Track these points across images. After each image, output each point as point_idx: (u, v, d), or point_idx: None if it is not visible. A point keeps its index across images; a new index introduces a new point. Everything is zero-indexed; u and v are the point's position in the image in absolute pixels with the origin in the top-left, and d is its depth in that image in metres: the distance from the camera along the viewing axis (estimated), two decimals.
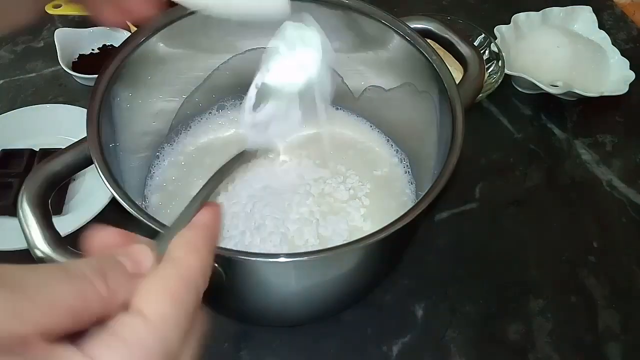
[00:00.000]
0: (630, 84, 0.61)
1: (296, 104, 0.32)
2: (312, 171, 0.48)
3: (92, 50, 0.64)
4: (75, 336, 0.18)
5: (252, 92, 0.32)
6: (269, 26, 0.47)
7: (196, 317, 0.21)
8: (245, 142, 0.32)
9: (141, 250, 0.21)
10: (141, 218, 0.31)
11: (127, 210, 0.31)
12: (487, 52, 0.63)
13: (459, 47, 0.43)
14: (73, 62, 0.62)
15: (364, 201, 0.46)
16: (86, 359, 0.17)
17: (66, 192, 0.51)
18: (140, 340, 0.18)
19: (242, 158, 0.31)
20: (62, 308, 0.17)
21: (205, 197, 0.25)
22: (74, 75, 0.60)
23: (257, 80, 0.32)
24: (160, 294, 0.19)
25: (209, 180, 0.27)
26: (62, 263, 0.20)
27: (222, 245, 0.31)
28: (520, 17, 0.68)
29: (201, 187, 0.26)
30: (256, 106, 0.32)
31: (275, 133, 0.32)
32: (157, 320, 0.19)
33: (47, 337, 0.17)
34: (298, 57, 0.32)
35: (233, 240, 0.42)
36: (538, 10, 0.69)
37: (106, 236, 0.23)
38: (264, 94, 0.32)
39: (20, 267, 0.18)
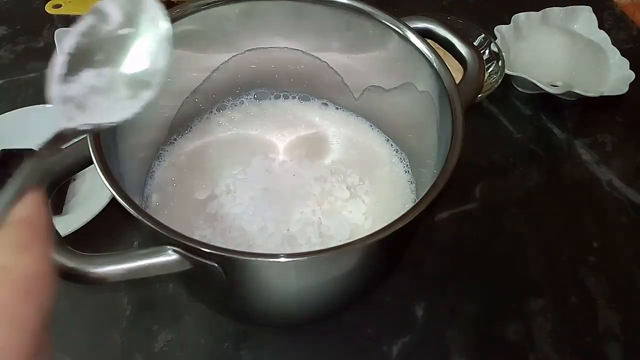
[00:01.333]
0: (630, 84, 0.61)
1: (121, 80, 0.27)
2: (312, 171, 0.48)
3: None
4: None
5: (62, 58, 0.27)
6: (270, 26, 0.47)
7: (44, 340, 0.17)
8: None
9: None
10: (141, 218, 0.31)
11: (127, 210, 0.31)
12: (487, 52, 0.63)
13: (459, 47, 0.43)
14: None
15: (365, 200, 0.46)
16: None
17: (66, 192, 0.51)
18: None
19: (59, 139, 0.26)
20: None
21: (19, 190, 0.21)
22: None
23: (66, 45, 0.27)
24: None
25: (20, 170, 0.23)
26: None
27: (224, 246, 0.31)
28: (520, 17, 0.68)
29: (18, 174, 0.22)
30: (69, 75, 0.27)
31: (96, 113, 0.27)
32: None
33: None
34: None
35: (235, 241, 0.42)
36: (538, 10, 0.69)
37: None
38: (79, 60, 0.27)
39: None
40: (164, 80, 0.28)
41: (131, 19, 0.28)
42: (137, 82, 0.27)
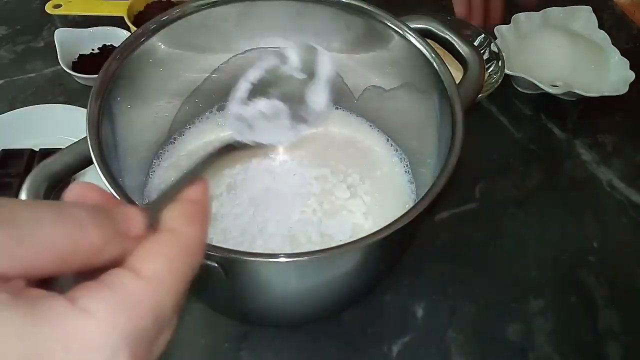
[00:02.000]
0: (630, 84, 0.61)
1: (286, 112, 0.33)
2: (313, 170, 0.48)
3: (92, 50, 0.64)
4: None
5: (246, 85, 0.33)
6: (270, 26, 0.47)
7: (184, 296, 0.20)
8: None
9: (133, 212, 0.20)
10: None
11: None
12: (487, 52, 0.63)
13: (459, 47, 0.43)
14: (73, 62, 0.62)
15: (365, 199, 0.46)
16: (69, 303, 0.16)
17: None
18: (133, 295, 0.17)
19: (228, 149, 0.30)
20: (49, 249, 0.16)
21: (192, 177, 0.25)
22: (74, 75, 0.60)
23: (251, 75, 0.33)
24: (159, 256, 0.19)
25: (195, 164, 0.27)
26: (57, 202, 0.18)
27: (224, 246, 0.31)
28: (521, 17, 0.68)
29: (185, 172, 0.26)
30: (248, 100, 0.33)
31: (260, 133, 0.32)
32: (152, 279, 0.18)
33: (29, 278, 0.16)
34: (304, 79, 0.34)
35: (234, 241, 0.42)
36: (538, 10, 0.69)
37: (88, 191, 0.21)
38: (257, 90, 0.33)
39: (17, 201, 0.17)
40: (320, 122, 0.34)
41: (305, 67, 0.34)
42: (298, 117, 0.33)
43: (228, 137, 0.30)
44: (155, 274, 0.18)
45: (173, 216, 0.21)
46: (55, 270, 0.17)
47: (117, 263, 0.18)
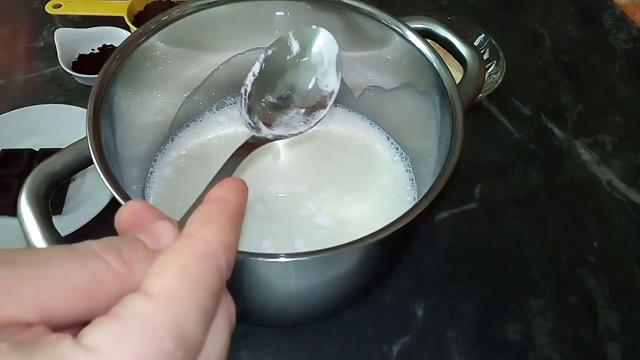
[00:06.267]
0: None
1: (298, 102, 0.32)
2: (313, 169, 0.48)
3: (92, 50, 0.64)
4: None
5: (250, 78, 0.33)
6: (270, 26, 0.47)
7: (221, 301, 0.18)
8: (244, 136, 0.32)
9: (162, 226, 0.19)
10: None
11: None
12: (487, 52, 0.63)
13: (459, 47, 0.43)
14: (73, 62, 0.62)
15: (365, 199, 0.46)
16: (73, 343, 0.14)
17: (66, 192, 0.51)
18: (143, 318, 0.15)
19: (249, 145, 0.30)
20: (65, 286, 0.15)
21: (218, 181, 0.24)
22: (74, 75, 0.60)
23: (256, 67, 0.33)
24: (170, 267, 0.17)
25: (220, 169, 0.26)
26: (64, 244, 0.17)
27: None
28: None
29: (213, 177, 0.25)
30: (256, 94, 0.32)
31: (278, 125, 0.32)
32: (164, 296, 0.16)
33: (57, 322, 0.15)
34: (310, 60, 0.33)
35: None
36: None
37: (136, 207, 0.21)
38: (262, 82, 0.32)
39: (20, 249, 0.16)
40: (333, 102, 0.33)
41: (307, 49, 0.33)
42: (313, 103, 0.33)
43: (246, 136, 0.30)
44: (167, 289, 0.16)
45: (192, 219, 0.19)
46: (86, 309, 0.16)
47: None
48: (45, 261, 0.15)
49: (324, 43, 0.33)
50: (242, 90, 0.32)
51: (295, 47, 0.33)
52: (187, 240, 0.18)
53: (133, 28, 0.62)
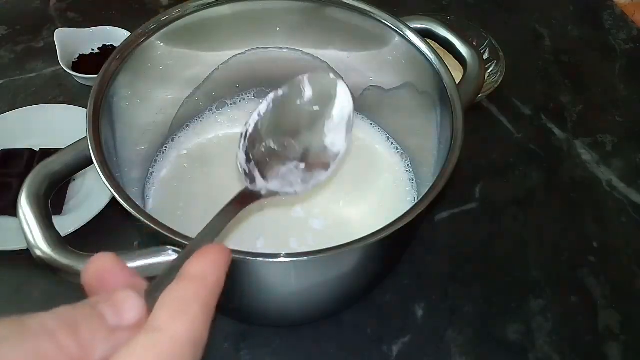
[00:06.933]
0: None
1: (301, 148, 0.30)
2: None
3: (92, 50, 0.64)
4: None
5: (255, 118, 0.30)
6: (270, 26, 0.47)
7: None
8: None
9: (126, 298, 0.18)
10: (141, 218, 0.31)
11: (127, 210, 0.31)
12: (487, 52, 0.63)
13: (459, 47, 0.43)
14: (73, 62, 0.62)
15: (365, 199, 0.46)
16: None
17: (66, 192, 0.51)
18: None
19: (243, 198, 0.28)
20: None
21: (205, 240, 0.22)
22: (74, 75, 0.60)
23: (263, 106, 0.30)
24: None
25: (209, 223, 0.24)
26: (21, 317, 0.16)
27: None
28: None
29: (202, 229, 0.23)
30: (257, 137, 0.29)
31: (275, 179, 0.29)
32: None
33: None
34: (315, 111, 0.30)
35: (235, 241, 0.42)
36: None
37: (104, 265, 0.19)
38: (267, 124, 0.30)
39: None
40: (339, 167, 0.30)
41: (320, 99, 0.30)
42: (315, 160, 0.30)
43: (240, 188, 0.27)
44: None
45: (160, 305, 0.18)
46: None
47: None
48: None
49: (339, 96, 0.31)
50: (244, 130, 0.30)
51: (308, 92, 0.30)
52: (152, 337, 0.17)
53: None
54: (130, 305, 0.17)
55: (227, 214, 0.25)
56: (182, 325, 0.17)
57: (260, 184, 0.28)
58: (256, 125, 0.29)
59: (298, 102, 0.30)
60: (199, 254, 0.19)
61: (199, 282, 0.18)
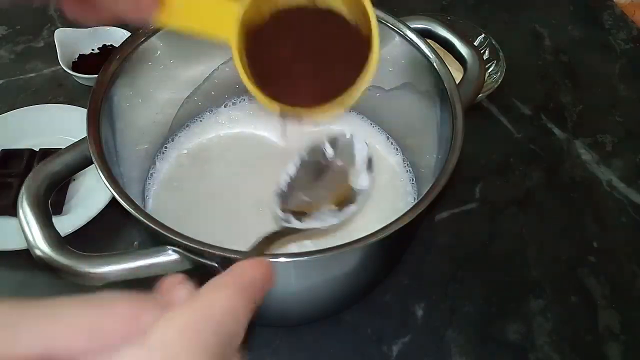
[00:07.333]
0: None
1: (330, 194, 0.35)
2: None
3: (92, 50, 0.64)
4: None
5: (292, 170, 0.35)
6: None
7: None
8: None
9: (174, 279, 0.20)
10: (141, 218, 0.31)
11: (127, 210, 0.31)
12: (487, 52, 0.63)
13: (459, 47, 0.43)
14: (73, 62, 0.62)
15: (365, 198, 0.46)
16: None
17: (66, 192, 0.51)
18: None
19: (278, 234, 0.31)
20: (76, 325, 0.17)
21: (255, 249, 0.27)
22: (74, 75, 0.60)
23: (296, 162, 0.35)
24: (168, 324, 0.17)
25: (251, 247, 0.29)
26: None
27: (224, 246, 0.31)
28: None
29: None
30: (291, 187, 0.34)
31: (308, 217, 0.34)
32: (157, 348, 0.16)
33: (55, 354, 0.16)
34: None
35: (235, 241, 0.42)
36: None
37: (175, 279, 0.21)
38: (299, 177, 0.35)
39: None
40: (366, 199, 0.35)
41: (343, 154, 0.36)
42: (343, 199, 0.35)
43: (277, 226, 0.32)
44: (160, 340, 0.16)
45: (205, 285, 0.19)
46: (85, 345, 0.17)
47: None
48: (60, 305, 0.17)
49: (356, 148, 0.36)
50: (278, 191, 0.34)
51: (329, 152, 0.36)
52: (192, 301, 0.18)
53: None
54: (176, 284, 0.20)
55: (268, 241, 0.30)
56: (222, 295, 0.18)
57: (297, 224, 0.33)
58: (287, 185, 0.35)
59: (323, 161, 0.36)
60: (247, 260, 0.21)
61: (239, 274, 0.20)
